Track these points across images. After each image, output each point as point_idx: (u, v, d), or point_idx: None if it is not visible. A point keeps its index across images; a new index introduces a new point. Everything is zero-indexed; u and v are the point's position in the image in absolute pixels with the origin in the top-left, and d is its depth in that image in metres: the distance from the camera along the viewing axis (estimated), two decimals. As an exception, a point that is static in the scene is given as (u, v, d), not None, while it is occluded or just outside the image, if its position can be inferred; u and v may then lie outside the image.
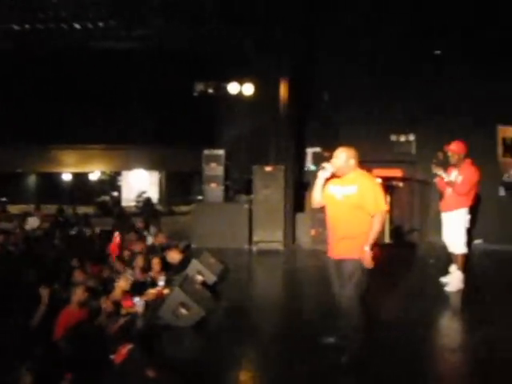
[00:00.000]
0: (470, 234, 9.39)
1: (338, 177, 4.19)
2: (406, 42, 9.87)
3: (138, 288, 5.67)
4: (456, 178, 6.23)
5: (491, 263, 8.19)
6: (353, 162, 4.11)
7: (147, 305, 5.61)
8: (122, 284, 5.32)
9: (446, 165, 6.47)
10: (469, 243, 6.67)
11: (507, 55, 9.14)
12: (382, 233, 4.11)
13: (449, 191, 6.40)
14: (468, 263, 6.69)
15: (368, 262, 3.95)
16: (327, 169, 4.12)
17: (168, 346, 4.86)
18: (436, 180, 6.60)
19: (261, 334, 5.07)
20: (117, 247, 7.35)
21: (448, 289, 6.40)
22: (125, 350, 4.09)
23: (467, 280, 6.57)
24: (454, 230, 6.40)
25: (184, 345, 4.93)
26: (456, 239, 6.38)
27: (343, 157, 4.11)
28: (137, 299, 5.45)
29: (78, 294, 4.83)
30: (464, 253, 6.38)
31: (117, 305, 5.09)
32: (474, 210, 6.52)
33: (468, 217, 6.36)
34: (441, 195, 6.75)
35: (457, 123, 9.65)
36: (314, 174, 9.40)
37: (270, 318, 5.63)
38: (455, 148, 6.31)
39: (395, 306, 5.89)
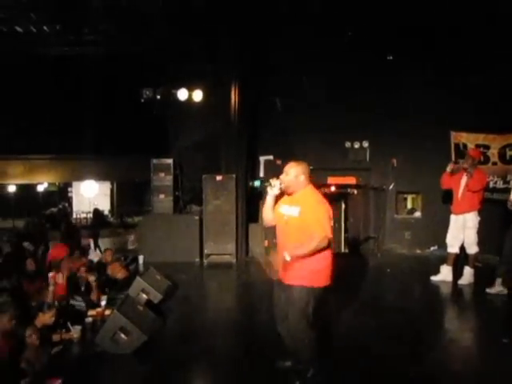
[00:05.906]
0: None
1: (289, 194, 3.81)
2: (359, 48, 9.72)
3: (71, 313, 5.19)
4: (468, 180, 6.94)
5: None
6: (303, 178, 3.73)
7: (85, 330, 5.16)
8: (44, 318, 4.68)
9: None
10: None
11: (459, 61, 9.11)
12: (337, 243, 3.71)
13: (460, 194, 7.07)
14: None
15: (274, 268, 3.62)
16: (275, 186, 3.76)
17: (105, 376, 4.40)
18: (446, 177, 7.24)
19: (210, 360, 4.62)
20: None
21: (461, 282, 7.11)
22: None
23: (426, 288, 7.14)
24: (468, 231, 7.04)
25: (123, 375, 4.43)
26: (471, 240, 7.04)
27: (293, 173, 3.73)
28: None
29: (3, 323, 4.27)
30: (477, 251, 7.07)
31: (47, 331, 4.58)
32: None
33: (479, 219, 7.02)
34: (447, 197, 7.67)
35: (411, 130, 9.58)
36: (260, 189, 9.18)
37: (221, 340, 5.16)
38: (474, 153, 7.37)
39: (354, 319, 5.61)
